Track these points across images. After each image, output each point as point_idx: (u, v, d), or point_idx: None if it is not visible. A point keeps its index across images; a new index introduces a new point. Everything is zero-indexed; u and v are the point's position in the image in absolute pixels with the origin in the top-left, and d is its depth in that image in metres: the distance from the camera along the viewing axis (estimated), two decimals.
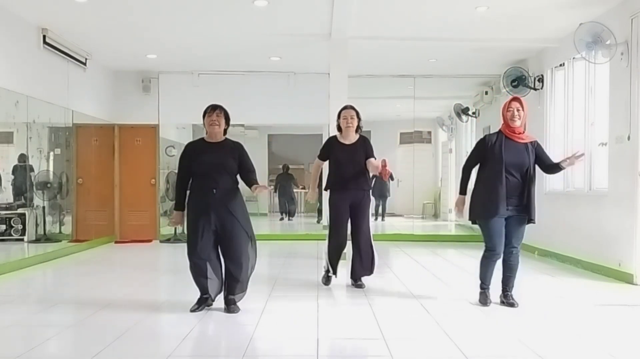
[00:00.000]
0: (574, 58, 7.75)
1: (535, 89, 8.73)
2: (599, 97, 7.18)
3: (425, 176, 14.28)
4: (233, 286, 4.76)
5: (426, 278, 6.79)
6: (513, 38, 8.13)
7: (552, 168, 5.02)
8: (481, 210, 4.92)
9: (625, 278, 6.31)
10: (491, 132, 11.16)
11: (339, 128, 5.86)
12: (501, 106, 5.01)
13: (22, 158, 8.02)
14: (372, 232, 5.84)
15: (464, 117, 11.92)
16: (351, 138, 5.81)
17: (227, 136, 4.92)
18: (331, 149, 5.86)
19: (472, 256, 8.14)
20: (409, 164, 13.40)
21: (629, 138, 6.29)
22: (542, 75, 8.64)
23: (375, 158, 5.79)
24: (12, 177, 8.00)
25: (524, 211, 4.87)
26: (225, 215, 4.67)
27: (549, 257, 8.15)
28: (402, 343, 3.96)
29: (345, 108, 5.88)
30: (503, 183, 4.80)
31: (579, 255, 7.36)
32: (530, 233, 8.91)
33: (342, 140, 5.83)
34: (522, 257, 8.54)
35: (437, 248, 9.49)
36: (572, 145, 7.85)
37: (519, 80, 8.82)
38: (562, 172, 5.12)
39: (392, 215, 14.52)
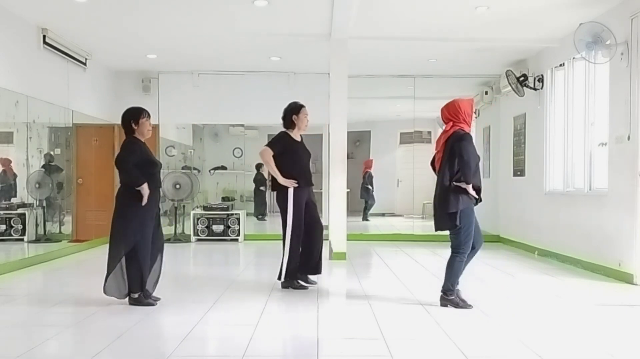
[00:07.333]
0: (574, 58, 7.74)
1: (535, 89, 8.72)
2: (599, 97, 7.18)
3: (425, 176, 14.19)
4: None
5: (426, 278, 6.79)
6: (513, 38, 8.13)
7: None
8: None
9: (625, 278, 6.30)
10: (491, 132, 11.05)
11: (293, 125, 5.86)
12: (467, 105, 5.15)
13: (48, 157, 8.21)
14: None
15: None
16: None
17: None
18: (286, 143, 5.85)
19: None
20: (409, 164, 13.37)
21: (629, 138, 6.29)
22: (542, 75, 8.62)
23: None
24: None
25: None
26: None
27: (549, 257, 8.14)
28: (402, 343, 3.96)
29: (303, 106, 5.93)
30: None
31: (579, 255, 7.36)
32: (530, 233, 8.96)
33: (294, 137, 5.89)
34: (522, 257, 8.62)
35: (437, 248, 9.46)
36: (572, 145, 7.87)
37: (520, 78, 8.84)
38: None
39: (392, 215, 14.50)
